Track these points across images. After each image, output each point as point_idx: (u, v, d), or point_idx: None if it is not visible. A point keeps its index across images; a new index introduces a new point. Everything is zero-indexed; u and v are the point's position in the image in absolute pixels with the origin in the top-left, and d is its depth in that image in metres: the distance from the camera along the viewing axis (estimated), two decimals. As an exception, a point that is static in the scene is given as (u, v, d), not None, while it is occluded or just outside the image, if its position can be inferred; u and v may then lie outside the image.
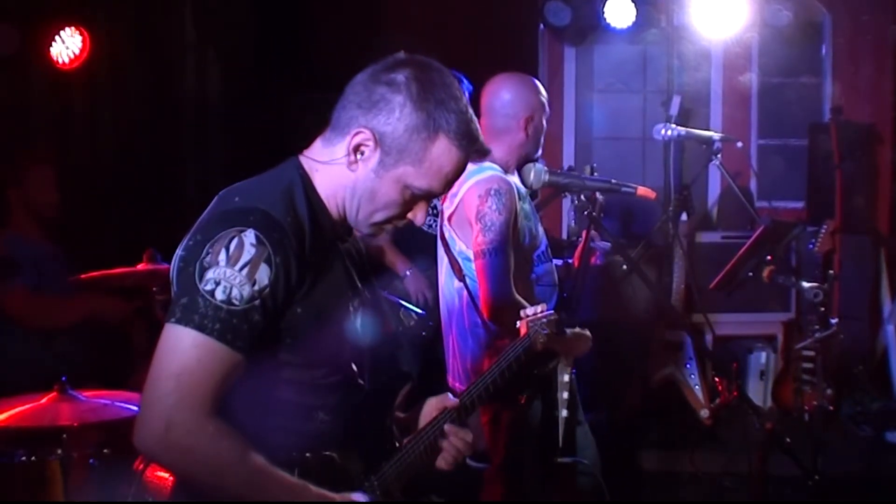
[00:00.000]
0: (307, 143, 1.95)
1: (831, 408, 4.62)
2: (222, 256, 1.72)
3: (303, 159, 1.93)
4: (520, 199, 3.18)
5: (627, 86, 7.08)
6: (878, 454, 5.13)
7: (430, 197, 1.92)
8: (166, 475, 2.86)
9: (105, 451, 3.09)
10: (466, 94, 1.90)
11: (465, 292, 3.20)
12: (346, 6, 5.89)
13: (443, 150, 1.85)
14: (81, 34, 4.87)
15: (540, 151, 3.37)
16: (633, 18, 6.11)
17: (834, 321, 4.93)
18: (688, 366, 5.08)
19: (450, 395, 2.16)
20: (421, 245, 4.23)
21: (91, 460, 3.07)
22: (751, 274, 4.56)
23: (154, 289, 3.77)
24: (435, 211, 3.86)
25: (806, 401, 4.62)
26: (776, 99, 6.85)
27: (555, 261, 3.41)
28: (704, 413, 4.94)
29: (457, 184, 3.01)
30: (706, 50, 6.68)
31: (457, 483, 2.38)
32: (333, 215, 1.92)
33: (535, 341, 2.52)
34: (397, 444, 2.05)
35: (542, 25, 6.56)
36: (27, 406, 3.06)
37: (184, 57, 5.91)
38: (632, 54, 6.99)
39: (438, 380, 3.36)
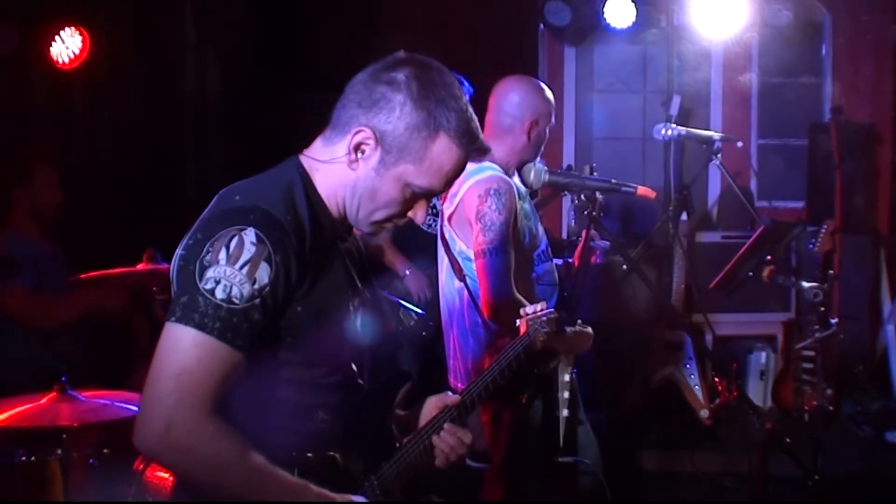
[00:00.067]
0: (307, 142, 1.96)
1: (831, 408, 4.62)
2: (222, 255, 1.72)
3: (303, 158, 1.93)
4: (520, 198, 3.18)
5: (627, 86, 7.08)
6: (878, 454, 5.13)
7: (431, 195, 1.92)
8: (166, 475, 2.86)
9: (105, 451, 3.09)
10: (467, 95, 1.90)
11: (466, 292, 3.20)
12: (346, 6, 5.89)
13: (443, 149, 1.85)
14: (81, 34, 4.87)
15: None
16: (633, 18, 6.11)
17: (834, 321, 4.93)
18: (688, 366, 5.08)
19: (450, 393, 2.16)
20: (421, 244, 4.24)
21: (91, 460, 3.07)
22: (751, 274, 4.56)
23: (154, 288, 3.77)
24: (434, 211, 3.86)
25: (806, 401, 4.61)
26: (776, 99, 6.85)
27: (555, 260, 3.41)
28: (704, 413, 4.93)
29: (457, 184, 3.01)
30: (706, 50, 6.68)
31: (457, 483, 2.38)
32: (333, 214, 1.92)
33: (534, 339, 2.52)
34: (397, 444, 2.05)
35: (542, 25, 6.56)
36: (27, 406, 3.06)
37: (184, 57, 5.91)
38: (632, 54, 6.99)
39: (438, 380, 3.35)
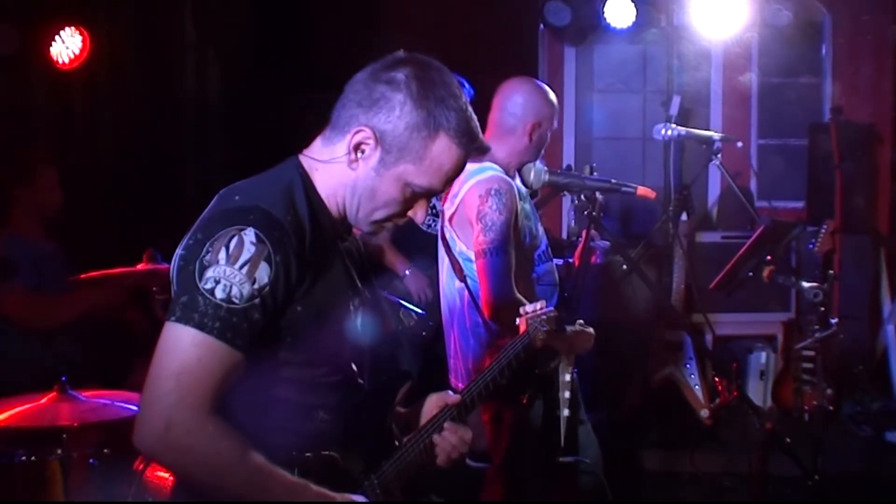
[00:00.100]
0: (307, 142, 1.96)
1: (831, 408, 4.62)
2: (222, 255, 1.72)
3: (303, 158, 1.93)
4: (520, 198, 3.19)
5: (627, 86, 7.08)
6: (878, 454, 5.13)
7: (431, 195, 1.92)
8: (166, 475, 2.86)
9: (105, 451, 3.09)
10: (467, 96, 1.90)
11: (466, 292, 3.20)
12: (346, 6, 5.89)
13: (443, 148, 1.85)
14: (81, 34, 4.87)
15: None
16: (633, 18, 6.11)
17: (834, 321, 4.93)
18: (688, 366, 5.08)
19: (450, 391, 2.16)
20: (421, 244, 4.24)
21: (91, 460, 3.07)
22: (751, 274, 4.56)
23: (154, 288, 3.77)
24: (434, 211, 3.86)
25: (806, 401, 4.62)
26: (776, 99, 6.85)
27: (555, 260, 3.41)
28: (704, 413, 4.93)
29: (457, 184, 3.01)
30: (706, 50, 6.68)
31: (457, 483, 2.37)
32: (333, 214, 1.92)
33: (534, 338, 2.52)
34: (397, 443, 2.05)
35: (542, 25, 6.57)
36: (27, 406, 3.06)
37: (184, 57, 5.91)
38: (632, 54, 6.99)
39: (439, 379, 3.35)
